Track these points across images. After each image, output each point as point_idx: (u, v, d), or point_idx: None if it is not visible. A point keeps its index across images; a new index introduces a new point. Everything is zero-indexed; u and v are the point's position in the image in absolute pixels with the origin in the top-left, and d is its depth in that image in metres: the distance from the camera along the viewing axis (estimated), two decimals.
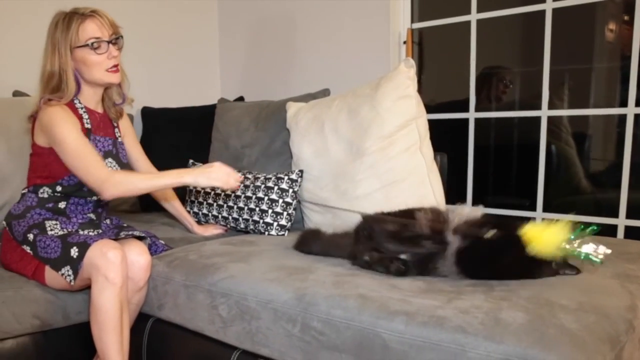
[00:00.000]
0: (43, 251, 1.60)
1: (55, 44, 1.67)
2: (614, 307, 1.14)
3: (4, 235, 1.78)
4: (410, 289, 1.30)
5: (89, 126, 1.76)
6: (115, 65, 1.73)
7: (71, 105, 1.73)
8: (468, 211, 1.44)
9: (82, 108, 1.76)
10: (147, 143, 2.67)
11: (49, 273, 1.61)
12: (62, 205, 1.75)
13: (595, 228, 1.24)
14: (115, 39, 1.73)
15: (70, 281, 1.55)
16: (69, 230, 1.71)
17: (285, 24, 2.96)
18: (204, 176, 1.66)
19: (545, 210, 2.32)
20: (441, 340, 1.09)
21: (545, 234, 1.25)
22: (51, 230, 1.66)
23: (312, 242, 1.74)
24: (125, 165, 1.88)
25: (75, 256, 1.54)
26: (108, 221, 1.90)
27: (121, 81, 1.82)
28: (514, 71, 2.60)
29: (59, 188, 1.73)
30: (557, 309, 1.12)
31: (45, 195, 1.74)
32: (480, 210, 1.45)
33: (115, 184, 1.63)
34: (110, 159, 1.80)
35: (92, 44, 1.67)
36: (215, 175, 1.67)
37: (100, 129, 1.82)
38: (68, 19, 1.67)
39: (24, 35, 2.44)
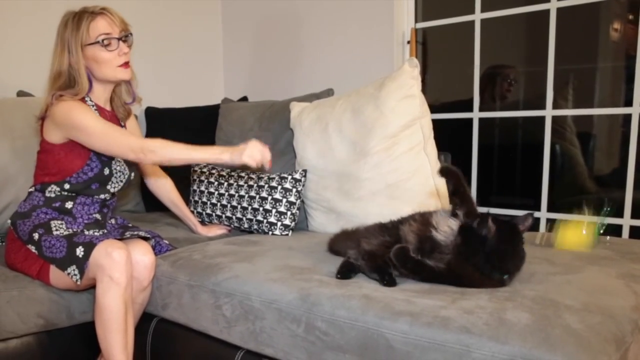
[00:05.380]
0: (48, 251, 1.61)
1: (65, 43, 1.69)
2: (620, 308, 1.13)
3: (8, 235, 1.79)
4: (414, 290, 1.30)
5: None
6: (126, 62, 1.75)
7: (82, 100, 1.74)
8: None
9: (92, 105, 1.77)
10: None
11: (54, 273, 1.61)
12: (69, 205, 1.75)
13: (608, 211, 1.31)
14: (125, 36, 1.74)
15: (77, 281, 1.55)
16: (75, 230, 1.71)
17: (288, 24, 2.96)
18: (238, 154, 1.65)
19: (549, 210, 2.31)
20: (445, 341, 1.09)
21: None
22: (56, 230, 1.67)
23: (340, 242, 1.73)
24: (131, 162, 1.88)
25: (81, 256, 1.54)
26: (113, 221, 1.90)
27: (131, 79, 1.84)
28: (517, 70, 2.59)
29: (67, 186, 1.73)
30: (562, 309, 1.12)
31: (53, 195, 1.74)
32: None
33: (153, 150, 1.64)
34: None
35: (103, 40, 1.69)
36: (249, 151, 1.65)
37: None
38: (78, 18, 1.69)
39: (28, 35, 2.44)
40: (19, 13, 2.46)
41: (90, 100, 1.77)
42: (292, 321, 1.34)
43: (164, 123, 2.82)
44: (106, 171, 1.75)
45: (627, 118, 2.12)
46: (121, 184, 1.82)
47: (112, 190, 1.81)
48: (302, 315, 1.32)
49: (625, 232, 2.16)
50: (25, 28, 2.46)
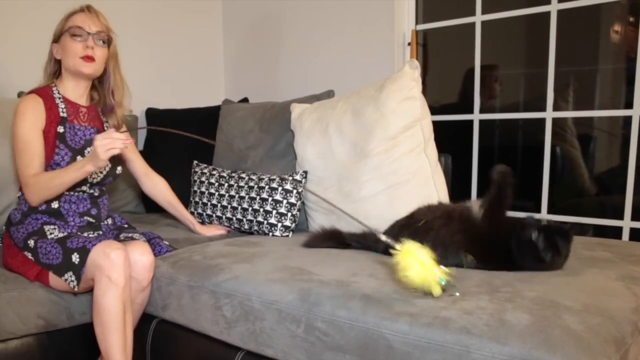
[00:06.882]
0: (45, 257, 1.61)
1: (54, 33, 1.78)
2: (619, 309, 1.13)
3: (5, 240, 1.79)
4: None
5: (64, 115, 1.76)
6: (90, 57, 1.73)
7: (47, 93, 1.75)
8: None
9: (59, 97, 1.78)
10: (152, 144, 2.68)
11: (53, 275, 1.61)
12: (54, 205, 1.74)
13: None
14: (99, 34, 1.75)
15: (74, 287, 1.56)
16: (68, 232, 1.70)
17: (289, 25, 2.96)
18: (98, 158, 1.52)
19: (549, 212, 2.31)
20: (445, 341, 1.09)
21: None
22: (50, 234, 1.66)
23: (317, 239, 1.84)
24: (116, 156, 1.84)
25: (77, 262, 1.54)
26: (109, 220, 1.89)
27: (114, 87, 1.84)
28: (499, 69, 2.58)
29: None
30: (562, 310, 1.12)
31: None
32: None
33: (30, 188, 1.65)
34: (91, 148, 1.78)
35: (71, 28, 1.72)
36: (101, 148, 1.51)
37: (82, 119, 1.82)
38: (69, 12, 1.76)
39: (28, 36, 2.45)
40: (19, 13, 2.47)
41: (58, 92, 1.78)
42: (292, 322, 1.34)
43: (164, 124, 2.81)
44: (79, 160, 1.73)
45: (628, 120, 2.12)
46: (101, 175, 1.80)
47: (92, 181, 1.78)
48: (302, 315, 1.32)
49: (625, 235, 2.16)
50: (26, 28, 2.46)
